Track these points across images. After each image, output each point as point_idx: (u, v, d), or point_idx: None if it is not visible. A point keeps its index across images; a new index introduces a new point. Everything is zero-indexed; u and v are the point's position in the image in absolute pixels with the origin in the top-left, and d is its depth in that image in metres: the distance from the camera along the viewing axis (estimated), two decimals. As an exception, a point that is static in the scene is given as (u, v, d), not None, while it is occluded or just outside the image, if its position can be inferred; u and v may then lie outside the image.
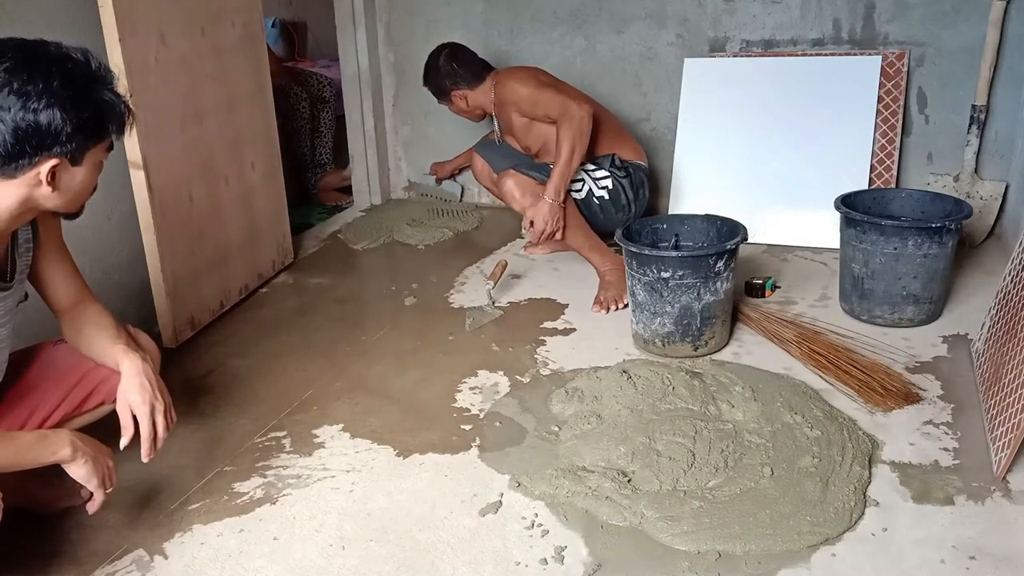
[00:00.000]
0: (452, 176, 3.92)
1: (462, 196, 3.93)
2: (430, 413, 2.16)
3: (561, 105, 2.79)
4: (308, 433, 2.09)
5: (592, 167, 2.96)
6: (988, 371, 2.10)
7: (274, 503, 1.81)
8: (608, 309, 2.73)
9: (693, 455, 1.85)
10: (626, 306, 2.61)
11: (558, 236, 2.84)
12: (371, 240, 3.53)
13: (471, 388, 2.28)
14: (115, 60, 2.24)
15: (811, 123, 3.28)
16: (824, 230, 3.15)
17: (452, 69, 3.12)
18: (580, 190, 2.93)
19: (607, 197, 2.95)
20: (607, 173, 2.96)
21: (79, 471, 1.47)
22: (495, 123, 3.27)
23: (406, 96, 3.95)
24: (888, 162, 3.25)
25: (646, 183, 3.08)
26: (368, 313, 2.83)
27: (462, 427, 2.09)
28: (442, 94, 3.20)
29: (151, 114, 2.37)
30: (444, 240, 3.51)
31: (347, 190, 4.16)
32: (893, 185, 3.24)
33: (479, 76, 3.12)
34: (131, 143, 2.32)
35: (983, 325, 2.30)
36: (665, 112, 3.58)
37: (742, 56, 3.41)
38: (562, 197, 2.77)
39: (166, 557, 1.66)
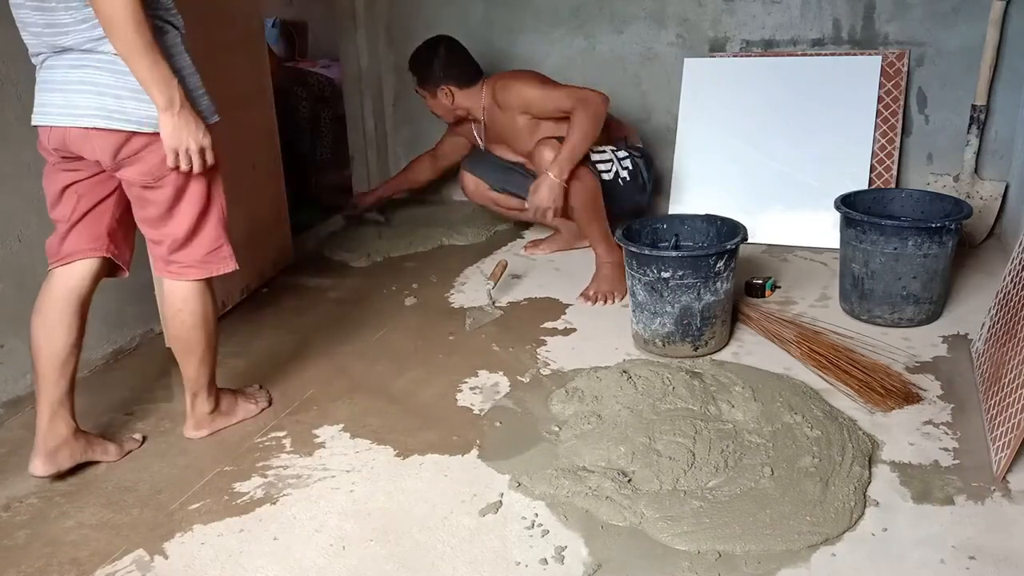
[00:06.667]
0: (374, 208, 3.70)
1: (386, 218, 3.49)
2: (430, 413, 2.16)
3: (576, 93, 2.85)
4: (308, 433, 2.09)
5: (614, 148, 3.03)
6: (988, 371, 2.10)
7: (274, 503, 1.81)
8: (595, 303, 2.73)
9: (693, 455, 1.85)
10: (618, 301, 2.61)
11: (553, 219, 2.83)
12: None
13: (471, 388, 2.28)
14: (115, 60, 2.23)
15: (811, 123, 3.28)
16: (824, 230, 3.15)
17: (449, 63, 3.11)
18: (609, 171, 2.97)
19: (628, 178, 3.02)
20: (627, 154, 3.04)
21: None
22: (476, 132, 3.27)
23: (406, 96, 3.95)
24: (888, 162, 3.25)
25: (652, 165, 3.21)
26: (368, 313, 2.83)
27: (462, 427, 2.08)
28: (427, 83, 3.16)
29: (151, 114, 2.36)
30: (444, 240, 3.51)
31: (348, 190, 4.16)
32: (893, 185, 3.24)
33: (472, 79, 3.14)
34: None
35: (983, 325, 2.30)
36: (665, 112, 3.58)
37: (742, 56, 3.41)
38: (565, 176, 2.74)
39: (166, 557, 1.66)
